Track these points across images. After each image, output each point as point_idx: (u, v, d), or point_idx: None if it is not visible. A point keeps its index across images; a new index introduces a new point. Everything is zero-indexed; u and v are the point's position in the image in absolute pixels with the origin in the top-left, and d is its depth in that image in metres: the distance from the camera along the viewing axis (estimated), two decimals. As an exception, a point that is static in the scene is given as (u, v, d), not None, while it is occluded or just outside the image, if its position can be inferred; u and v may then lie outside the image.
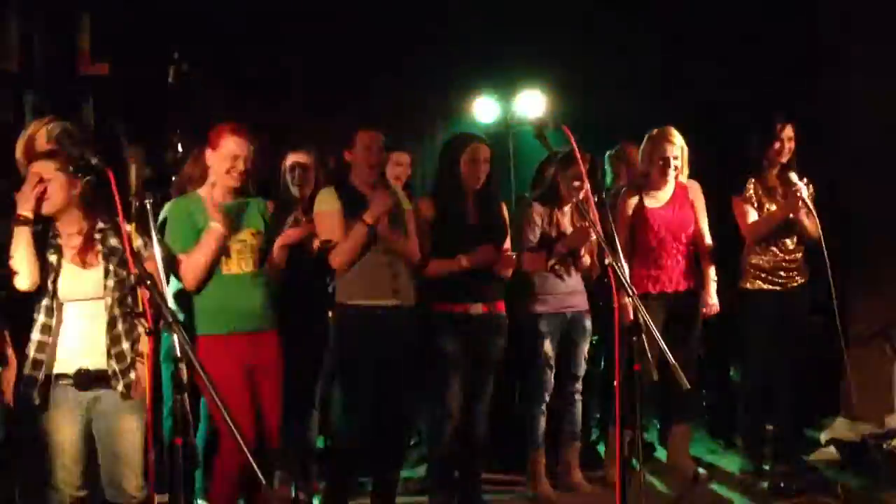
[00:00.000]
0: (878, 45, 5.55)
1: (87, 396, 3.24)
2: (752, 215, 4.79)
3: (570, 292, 4.64)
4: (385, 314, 4.07)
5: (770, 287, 4.81)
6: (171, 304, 3.40)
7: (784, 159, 4.80)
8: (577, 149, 3.96)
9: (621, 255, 3.41)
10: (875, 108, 5.56)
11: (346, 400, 4.26)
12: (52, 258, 3.17)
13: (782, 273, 4.81)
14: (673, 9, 6.67)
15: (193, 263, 3.68)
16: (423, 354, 4.26)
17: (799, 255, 4.83)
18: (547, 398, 4.66)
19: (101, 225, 3.27)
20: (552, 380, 4.65)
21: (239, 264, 3.75)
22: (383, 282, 4.09)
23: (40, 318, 3.21)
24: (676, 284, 4.78)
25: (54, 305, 3.19)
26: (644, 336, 3.30)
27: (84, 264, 3.21)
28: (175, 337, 2.28)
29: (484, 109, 7.59)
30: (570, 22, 7.00)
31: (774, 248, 4.80)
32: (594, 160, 3.99)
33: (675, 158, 4.74)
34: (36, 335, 3.21)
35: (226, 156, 3.73)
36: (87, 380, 3.21)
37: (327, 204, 4.14)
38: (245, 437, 3.40)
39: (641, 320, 3.28)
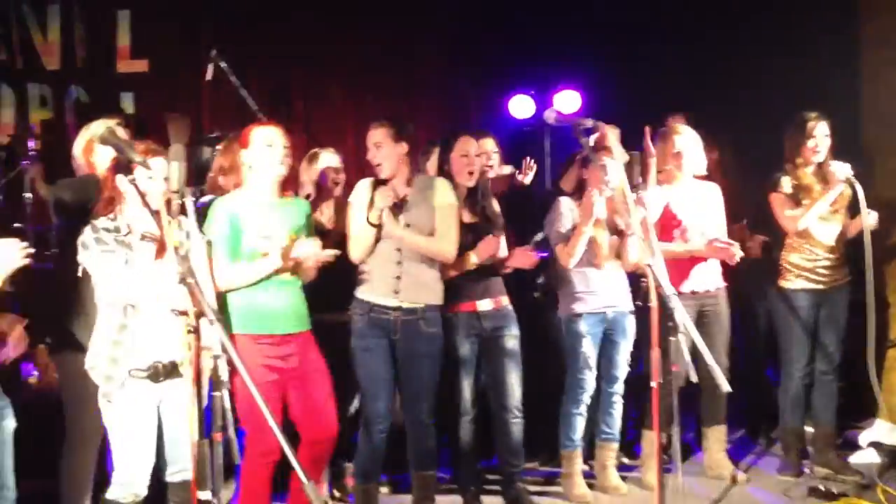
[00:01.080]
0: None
1: (160, 388, 3.32)
2: (789, 209, 4.74)
3: (611, 291, 4.59)
4: (381, 312, 4.05)
5: (810, 286, 4.76)
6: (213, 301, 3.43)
7: (819, 158, 4.73)
8: (612, 144, 3.97)
9: (659, 254, 3.39)
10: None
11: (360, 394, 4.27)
12: (124, 256, 3.22)
13: (822, 271, 4.75)
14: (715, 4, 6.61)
15: (237, 278, 3.65)
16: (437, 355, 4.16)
17: (839, 254, 4.76)
18: (587, 399, 4.62)
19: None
20: (592, 380, 4.61)
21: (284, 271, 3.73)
22: (385, 280, 4.06)
23: (115, 318, 3.25)
24: (706, 283, 4.74)
25: (130, 303, 3.25)
26: (682, 337, 3.29)
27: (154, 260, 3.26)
28: (216, 334, 2.29)
29: (519, 106, 7.57)
30: (606, 18, 6.96)
31: (814, 246, 4.74)
32: (632, 157, 3.95)
33: (688, 149, 4.70)
34: (112, 334, 3.25)
35: (261, 144, 3.70)
36: (161, 373, 3.28)
37: (357, 195, 4.14)
38: (265, 442, 3.53)
39: (680, 321, 3.26)
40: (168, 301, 3.25)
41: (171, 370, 3.33)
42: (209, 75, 5.65)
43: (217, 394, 2.67)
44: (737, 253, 4.61)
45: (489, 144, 4.65)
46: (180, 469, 3.44)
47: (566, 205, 4.61)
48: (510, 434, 4.34)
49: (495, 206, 4.46)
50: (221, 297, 3.69)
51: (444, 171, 4.32)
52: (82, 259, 3.26)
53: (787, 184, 4.75)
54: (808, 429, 4.98)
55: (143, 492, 3.37)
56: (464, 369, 4.28)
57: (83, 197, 3.54)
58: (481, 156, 4.37)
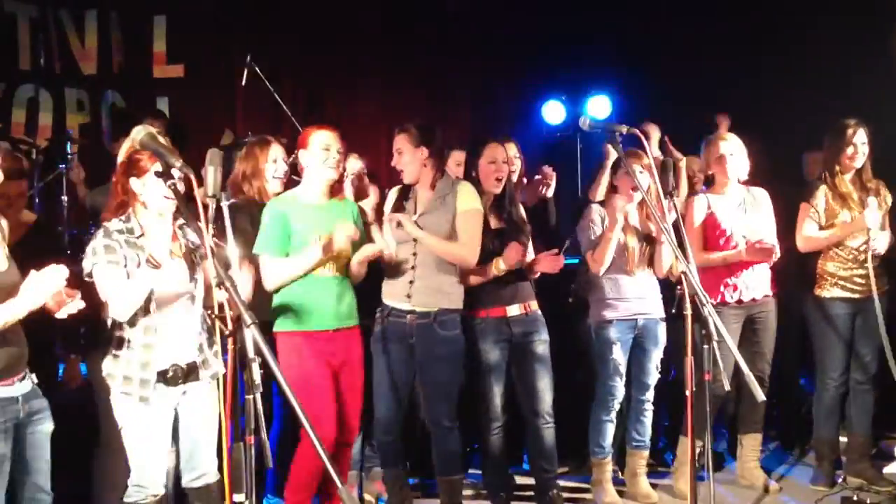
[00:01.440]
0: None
1: (179, 391, 3.33)
2: (809, 227, 4.71)
3: (642, 298, 4.57)
4: (397, 316, 4.08)
5: (846, 294, 4.71)
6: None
7: (857, 164, 4.68)
8: (648, 150, 3.95)
9: (693, 261, 3.37)
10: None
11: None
12: (136, 259, 3.22)
13: (859, 280, 4.70)
14: (745, 10, 6.58)
15: (284, 273, 3.76)
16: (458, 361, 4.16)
17: (876, 263, 4.70)
18: (617, 406, 4.61)
19: (180, 221, 3.35)
20: (622, 387, 4.60)
21: (330, 267, 3.81)
22: (400, 284, 4.10)
23: (141, 320, 3.25)
24: (753, 292, 4.69)
25: (153, 306, 3.25)
26: (717, 345, 3.27)
27: (170, 261, 3.27)
28: (251, 337, 2.31)
29: (553, 112, 7.58)
30: (639, 26, 6.94)
31: (851, 256, 4.70)
32: (665, 163, 3.93)
33: (732, 155, 4.66)
34: (139, 336, 3.26)
35: (318, 148, 3.80)
36: (180, 375, 3.30)
37: (387, 203, 4.26)
38: (323, 438, 3.60)
39: (714, 329, 3.25)
40: (184, 303, 3.34)
41: (190, 372, 3.35)
42: (244, 81, 5.71)
43: (249, 397, 2.70)
44: (776, 253, 4.56)
45: (512, 150, 4.66)
46: (201, 474, 3.42)
47: (597, 212, 4.61)
48: (543, 439, 4.32)
49: (522, 212, 4.46)
50: (273, 296, 3.80)
51: (471, 177, 4.32)
52: (87, 265, 3.22)
53: (821, 195, 4.71)
54: (843, 439, 4.92)
55: (161, 490, 3.37)
56: (493, 375, 4.26)
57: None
58: (507, 162, 4.37)
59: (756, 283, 4.69)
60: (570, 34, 7.13)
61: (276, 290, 3.81)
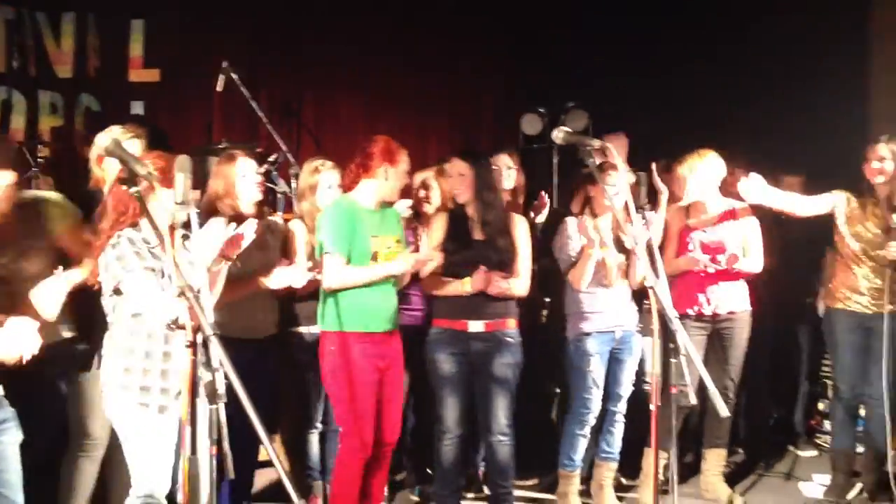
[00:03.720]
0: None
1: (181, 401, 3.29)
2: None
3: (619, 310, 4.58)
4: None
5: (857, 308, 4.72)
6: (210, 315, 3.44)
7: (880, 180, 4.64)
8: (618, 163, 3.97)
9: (663, 275, 3.39)
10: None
11: None
12: (161, 269, 3.15)
13: (869, 294, 4.70)
14: (723, 28, 6.63)
15: (352, 277, 3.93)
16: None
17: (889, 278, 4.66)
18: (592, 420, 4.59)
19: (182, 231, 3.33)
20: (599, 401, 4.59)
21: None
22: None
23: (160, 330, 3.18)
24: (720, 306, 4.73)
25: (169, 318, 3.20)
26: (684, 359, 3.29)
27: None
28: (213, 348, 2.30)
29: (529, 124, 7.58)
30: (616, 39, 6.98)
31: (865, 268, 4.71)
32: (640, 176, 3.96)
33: (719, 179, 4.70)
34: (158, 346, 3.20)
35: (405, 172, 4.11)
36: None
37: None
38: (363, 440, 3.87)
39: (681, 343, 3.26)
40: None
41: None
42: (220, 86, 5.69)
43: (213, 407, 2.68)
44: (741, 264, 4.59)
45: (509, 161, 4.92)
46: None
47: (572, 227, 4.60)
48: (497, 455, 4.29)
49: (516, 229, 4.38)
50: (324, 297, 3.97)
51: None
52: (115, 277, 3.13)
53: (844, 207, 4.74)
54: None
55: (164, 502, 3.35)
56: (446, 387, 4.23)
57: (85, 210, 3.57)
58: (460, 176, 4.33)
59: (725, 298, 4.73)
60: (551, 46, 7.16)
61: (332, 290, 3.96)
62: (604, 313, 4.56)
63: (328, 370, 3.97)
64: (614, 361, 4.62)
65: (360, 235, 3.96)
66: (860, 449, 5.03)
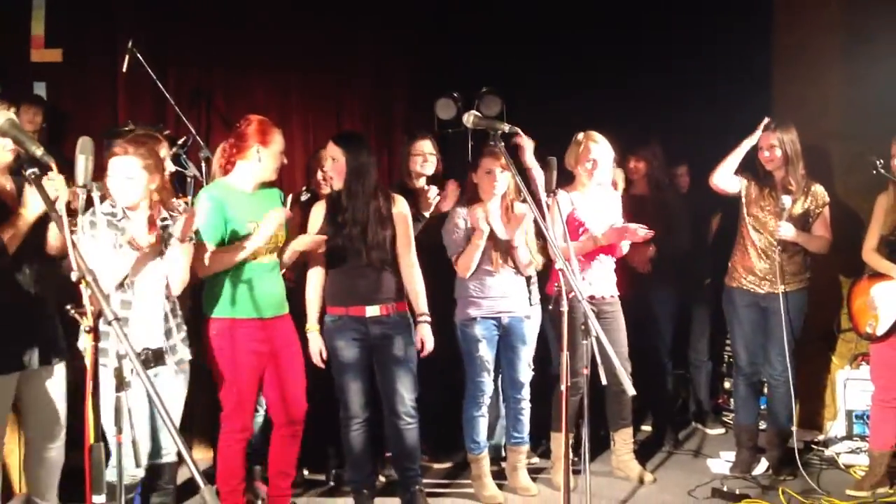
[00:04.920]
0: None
1: (150, 374, 3.44)
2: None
3: (505, 296, 4.63)
4: None
5: (752, 287, 4.91)
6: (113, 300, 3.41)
7: (769, 167, 4.86)
8: (526, 156, 4.02)
9: (562, 257, 3.43)
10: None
11: None
12: (115, 240, 3.42)
13: (763, 274, 4.88)
14: (632, 14, 6.73)
15: (223, 260, 3.84)
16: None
17: (786, 259, 4.83)
18: (487, 401, 4.66)
19: (163, 212, 3.61)
20: (490, 383, 4.66)
21: (265, 253, 3.93)
22: None
23: (116, 298, 3.42)
24: (598, 290, 4.82)
25: (129, 288, 3.46)
26: (593, 340, 3.35)
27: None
28: (116, 335, 2.24)
29: (444, 109, 7.57)
30: (531, 24, 7.02)
31: (759, 250, 4.89)
32: (549, 162, 4.01)
33: (599, 160, 4.77)
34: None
35: (279, 151, 3.99)
36: (150, 359, 3.48)
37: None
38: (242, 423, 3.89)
39: (591, 325, 3.32)
40: (153, 288, 3.54)
41: (159, 357, 3.57)
42: (125, 67, 5.54)
43: (120, 394, 2.62)
44: (640, 232, 4.66)
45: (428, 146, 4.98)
46: (167, 453, 3.68)
47: (460, 214, 4.63)
48: (404, 439, 4.31)
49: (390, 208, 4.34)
50: (207, 283, 3.91)
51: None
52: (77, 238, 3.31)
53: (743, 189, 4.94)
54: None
55: (141, 473, 3.52)
56: (349, 373, 4.22)
57: None
58: (332, 159, 4.31)
59: (603, 282, 4.84)
60: (466, 30, 7.15)
61: (210, 277, 3.89)
62: (490, 299, 4.60)
63: (211, 355, 3.91)
64: (508, 349, 4.68)
65: (234, 221, 3.86)
66: (763, 425, 5.23)
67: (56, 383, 3.77)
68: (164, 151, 4.10)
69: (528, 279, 4.74)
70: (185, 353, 3.69)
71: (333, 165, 4.24)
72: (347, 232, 4.18)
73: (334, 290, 4.24)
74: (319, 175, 4.92)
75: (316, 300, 4.24)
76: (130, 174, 3.50)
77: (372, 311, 4.21)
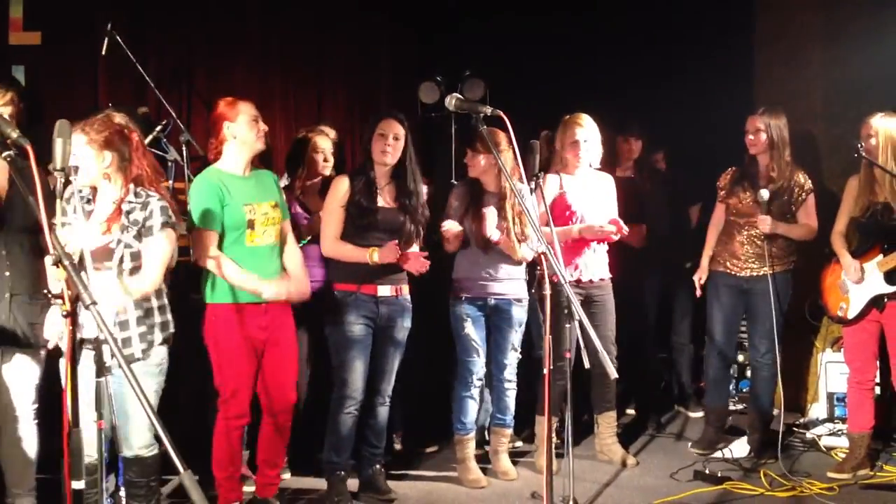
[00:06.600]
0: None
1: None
2: (719, 210, 5.11)
3: (493, 279, 4.63)
4: None
5: (731, 271, 4.97)
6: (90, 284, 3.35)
7: (752, 151, 4.90)
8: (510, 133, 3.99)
9: (546, 240, 3.42)
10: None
11: None
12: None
13: (742, 259, 4.93)
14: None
15: (226, 272, 3.79)
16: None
17: (769, 245, 4.86)
18: (477, 382, 4.67)
19: (131, 199, 3.44)
20: (481, 364, 4.66)
21: (262, 236, 3.89)
22: None
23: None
24: (591, 273, 4.83)
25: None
26: (576, 324, 3.36)
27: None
28: (94, 320, 2.22)
29: (427, 93, 7.54)
30: (514, 8, 7.00)
31: (742, 236, 4.95)
32: (532, 146, 4.00)
33: (586, 141, 4.77)
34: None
35: (248, 118, 3.89)
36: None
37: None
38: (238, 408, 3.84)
39: (574, 309, 3.32)
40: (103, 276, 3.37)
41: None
42: (104, 50, 5.47)
43: (101, 379, 2.61)
44: (611, 234, 4.70)
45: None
46: (141, 445, 3.47)
47: (456, 196, 4.70)
48: (376, 417, 4.37)
49: (423, 196, 4.41)
50: (206, 270, 3.86)
51: (365, 150, 4.35)
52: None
53: (726, 178, 5.03)
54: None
55: (94, 454, 3.28)
56: (355, 349, 4.20)
57: None
58: (396, 139, 4.28)
59: (594, 266, 4.84)
60: (448, 13, 7.13)
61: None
62: (479, 280, 4.62)
63: (208, 340, 3.91)
64: (494, 330, 4.69)
65: (231, 206, 3.84)
66: (735, 407, 5.28)
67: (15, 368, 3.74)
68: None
69: (534, 263, 4.71)
70: (136, 350, 3.41)
71: (395, 144, 4.25)
72: (382, 210, 4.25)
73: (350, 267, 4.22)
74: (321, 157, 4.81)
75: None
76: (76, 152, 3.34)
77: (384, 290, 4.25)
